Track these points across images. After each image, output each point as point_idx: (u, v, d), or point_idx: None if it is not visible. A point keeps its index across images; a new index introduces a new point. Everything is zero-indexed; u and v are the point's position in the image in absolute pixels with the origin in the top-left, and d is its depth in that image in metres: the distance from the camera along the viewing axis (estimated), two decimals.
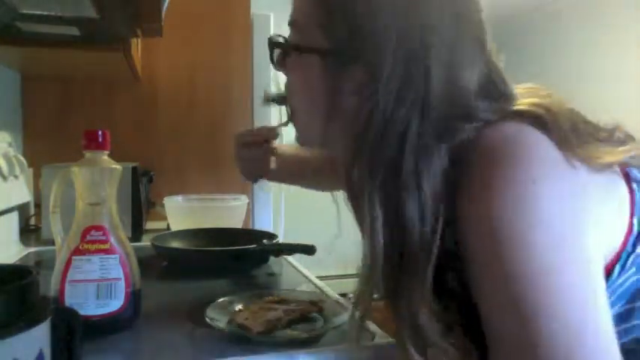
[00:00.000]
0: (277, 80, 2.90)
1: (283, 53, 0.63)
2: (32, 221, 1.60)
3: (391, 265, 0.53)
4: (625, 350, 0.46)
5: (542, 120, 0.52)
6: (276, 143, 0.93)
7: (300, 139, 0.67)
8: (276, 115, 2.88)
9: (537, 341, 0.44)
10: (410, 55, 0.52)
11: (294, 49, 0.61)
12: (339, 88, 0.56)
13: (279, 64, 0.64)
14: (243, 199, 1.56)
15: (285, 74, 0.65)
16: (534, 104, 0.55)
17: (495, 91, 0.57)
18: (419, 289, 0.51)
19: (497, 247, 0.47)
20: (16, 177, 1.28)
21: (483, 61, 0.57)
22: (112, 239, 0.71)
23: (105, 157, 0.73)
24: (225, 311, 0.75)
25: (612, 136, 0.61)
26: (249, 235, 1.25)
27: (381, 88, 0.52)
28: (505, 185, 0.47)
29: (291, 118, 0.66)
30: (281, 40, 0.63)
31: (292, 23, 0.62)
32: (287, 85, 0.65)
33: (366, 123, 0.53)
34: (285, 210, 2.83)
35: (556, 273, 0.45)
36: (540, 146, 0.50)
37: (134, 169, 1.45)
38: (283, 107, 0.69)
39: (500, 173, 0.48)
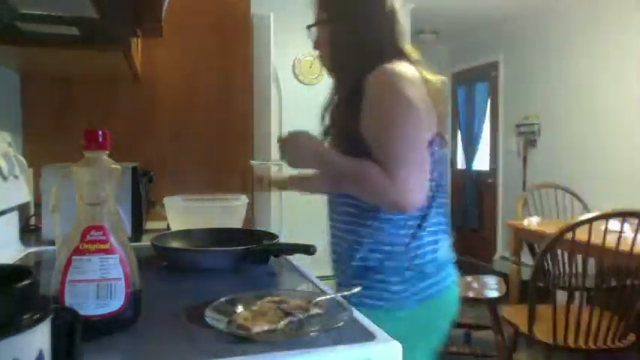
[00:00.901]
0: (277, 81, 2.90)
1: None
2: (32, 221, 1.60)
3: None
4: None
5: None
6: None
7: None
8: (275, 115, 2.88)
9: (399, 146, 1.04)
10: (362, 22, 1.15)
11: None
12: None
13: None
14: (243, 199, 1.56)
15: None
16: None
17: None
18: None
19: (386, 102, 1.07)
20: (16, 177, 1.28)
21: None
22: (112, 239, 0.71)
23: (105, 157, 0.73)
24: (225, 311, 0.75)
25: None
26: (249, 235, 1.25)
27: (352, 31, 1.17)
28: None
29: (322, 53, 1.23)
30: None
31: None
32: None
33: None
34: (285, 210, 2.84)
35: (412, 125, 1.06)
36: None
37: (134, 169, 1.45)
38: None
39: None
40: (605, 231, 2.03)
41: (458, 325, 3.22)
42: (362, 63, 1.11)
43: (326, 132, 1.22)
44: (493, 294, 2.75)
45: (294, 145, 1.15)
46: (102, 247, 0.70)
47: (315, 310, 0.76)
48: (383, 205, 1.07)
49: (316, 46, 1.22)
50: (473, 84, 5.67)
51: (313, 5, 1.21)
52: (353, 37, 1.15)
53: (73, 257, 0.69)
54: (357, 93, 1.09)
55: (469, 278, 3.07)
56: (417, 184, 1.01)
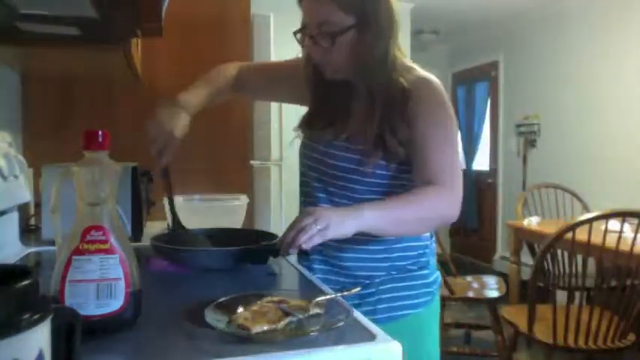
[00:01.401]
0: None
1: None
2: (32, 221, 1.60)
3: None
4: None
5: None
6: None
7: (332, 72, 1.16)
8: (275, 115, 2.88)
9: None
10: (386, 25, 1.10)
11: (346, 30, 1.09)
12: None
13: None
14: (243, 199, 1.56)
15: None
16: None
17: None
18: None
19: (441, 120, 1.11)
20: (16, 177, 1.28)
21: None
22: (112, 239, 0.71)
23: (105, 157, 0.73)
24: (225, 311, 0.75)
25: None
26: (249, 235, 1.25)
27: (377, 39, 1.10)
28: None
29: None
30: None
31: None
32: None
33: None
34: (285, 210, 2.83)
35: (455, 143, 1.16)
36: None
37: (134, 169, 1.45)
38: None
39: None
40: (605, 231, 2.03)
41: (458, 325, 3.23)
42: (384, 69, 1.10)
43: (337, 133, 1.15)
44: (493, 294, 2.75)
45: (349, 214, 0.97)
46: (102, 247, 0.70)
47: (315, 310, 0.76)
48: (446, 219, 1.15)
49: (329, 56, 1.11)
50: (473, 84, 5.67)
51: (327, 13, 1.08)
52: (381, 42, 1.09)
53: (73, 257, 0.69)
54: (392, 99, 1.08)
55: (469, 278, 3.07)
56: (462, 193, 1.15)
